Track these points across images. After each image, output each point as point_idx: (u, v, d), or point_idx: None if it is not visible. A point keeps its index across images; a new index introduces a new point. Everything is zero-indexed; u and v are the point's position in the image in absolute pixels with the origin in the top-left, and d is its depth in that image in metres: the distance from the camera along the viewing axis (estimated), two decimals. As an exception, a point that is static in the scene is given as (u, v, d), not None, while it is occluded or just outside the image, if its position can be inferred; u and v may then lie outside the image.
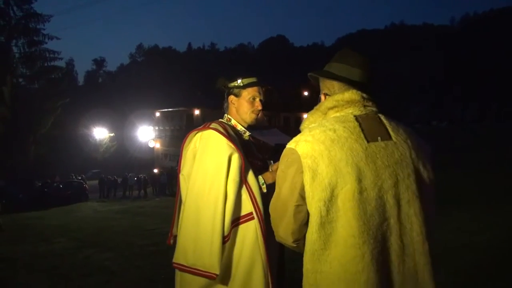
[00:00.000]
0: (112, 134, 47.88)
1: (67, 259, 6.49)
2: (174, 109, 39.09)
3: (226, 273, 1.79)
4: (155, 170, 28.95)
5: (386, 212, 1.21)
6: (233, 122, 2.07)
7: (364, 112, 1.31)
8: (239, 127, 2.07)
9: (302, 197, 1.24)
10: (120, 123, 50.89)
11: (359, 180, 1.18)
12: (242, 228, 1.82)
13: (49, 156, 32.08)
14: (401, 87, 62.14)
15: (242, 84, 2.06)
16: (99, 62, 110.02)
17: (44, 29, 33.63)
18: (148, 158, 42.57)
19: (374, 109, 1.34)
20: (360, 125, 1.27)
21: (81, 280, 5.08)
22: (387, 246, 1.20)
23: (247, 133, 2.09)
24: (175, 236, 1.97)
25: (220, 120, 2.09)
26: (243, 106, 2.06)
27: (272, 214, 1.39)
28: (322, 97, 1.43)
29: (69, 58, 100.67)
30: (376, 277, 1.16)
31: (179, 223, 1.92)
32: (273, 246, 1.83)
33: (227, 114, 2.11)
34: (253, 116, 2.07)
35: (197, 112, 36.14)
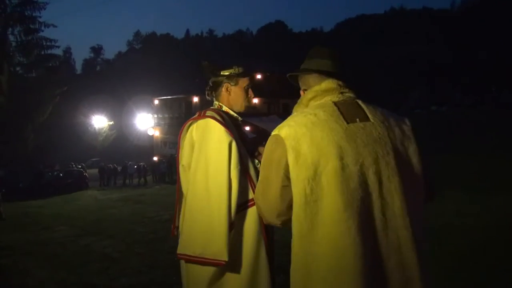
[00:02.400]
0: (111, 123, 47.81)
1: (68, 247, 6.55)
2: (173, 97, 38.92)
3: (233, 259, 1.80)
4: (155, 158, 28.95)
5: (368, 187, 1.24)
6: (225, 108, 2.06)
7: (342, 98, 1.39)
8: (232, 113, 2.06)
9: (288, 178, 1.28)
10: (119, 111, 50.69)
11: (341, 158, 1.23)
12: (245, 214, 1.85)
13: (48, 145, 32.08)
14: (401, 72, 61.85)
15: (239, 72, 2.05)
16: (97, 50, 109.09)
17: (40, 17, 33.28)
18: (148, 146, 42.54)
19: (352, 95, 1.42)
20: (339, 109, 1.34)
21: (82, 267, 5.13)
22: (371, 220, 1.23)
23: (240, 118, 2.09)
24: (178, 228, 1.98)
25: (212, 107, 2.07)
26: (239, 95, 2.05)
27: (258, 197, 1.43)
28: (302, 93, 1.53)
29: (66, 46, 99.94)
30: (363, 251, 1.19)
31: (182, 214, 1.93)
32: (270, 228, 1.89)
33: (218, 101, 2.09)
34: (247, 104, 2.08)
35: (195, 99, 36.00)
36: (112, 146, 46.79)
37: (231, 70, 2.05)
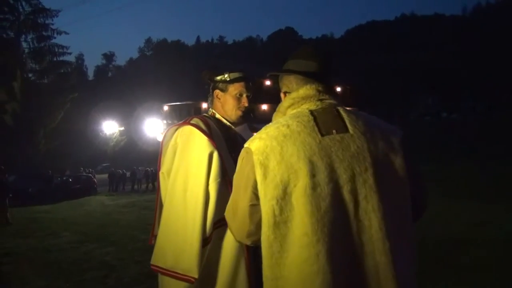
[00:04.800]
0: (121, 128, 48.22)
1: (69, 254, 6.54)
2: (182, 103, 39.10)
3: (209, 276, 1.73)
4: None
5: (343, 208, 1.13)
6: (218, 116, 2.00)
7: (320, 106, 1.26)
8: (224, 121, 1.99)
9: (257, 196, 1.19)
10: (130, 117, 51.10)
11: (312, 175, 1.12)
12: (225, 229, 1.75)
13: (60, 150, 32.45)
14: (411, 78, 61.40)
15: (228, 79, 1.96)
16: (109, 57, 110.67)
17: (52, 24, 33.99)
18: (157, 151, 42.60)
19: (332, 101, 1.29)
20: (314, 119, 1.22)
21: (80, 275, 5.11)
22: (345, 245, 1.13)
23: (233, 127, 2.01)
24: (156, 237, 1.91)
25: (204, 114, 2.02)
26: (229, 102, 1.96)
27: (227, 215, 1.34)
28: (282, 95, 1.41)
29: (78, 53, 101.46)
30: (332, 279, 1.09)
31: (159, 224, 1.87)
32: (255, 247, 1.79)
33: (212, 109, 2.03)
34: (239, 113, 1.97)
35: (205, 105, 35.97)
36: (122, 152, 47.16)
37: (221, 76, 1.98)
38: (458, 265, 4.71)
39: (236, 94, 1.96)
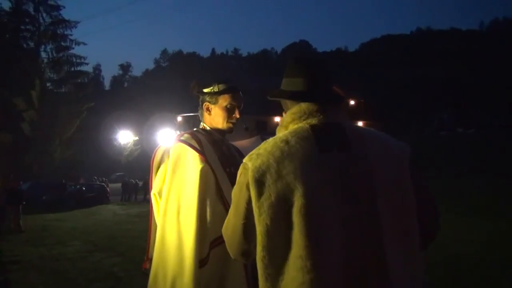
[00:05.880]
0: (136, 138, 48.68)
1: (77, 263, 6.52)
2: (196, 114, 39.23)
3: None
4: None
5: (341, 233, 1.05)
6: (209, 130, 1.92)
7: (322, 121, 1.18)
8: (216, 135, 1.91)
9: (251, 214, 1.11)
10: (144, 127, 51.66)
11: (309, 196, 1.05)
12: (223, 248, 1.69)
13: (74, 159, 32.84)
14: (426, 93, 60.79)
15: (217, 90, 1.89)
16: (125, 67, 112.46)
17: (71, 35, 34.68)
18: (170, 162, 42.91)
19: (335, 117, 1.20)
20: (315, 136, 1.14)
21: (87, 285, 5.09)
22: (340, 273, 1.04)
23: (226, 141, 1.95)
24: (151, 260, 1.84)
25: (195, 129, 1.96)
26: (219, 114, 1.89)
27: (223, 231, 1.27)
28: (284, 114, 1.33)
29: (96, 64, 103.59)
30: None
31: (155, 247, 1.79)
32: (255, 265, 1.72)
33: (202, 122, 1.96)
34: (229, 125, 1.90)
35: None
36: (136, 161, 47.48)
37: (210, 88, 1.90)
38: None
39: (226, 105, 1.88)
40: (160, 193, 1.78)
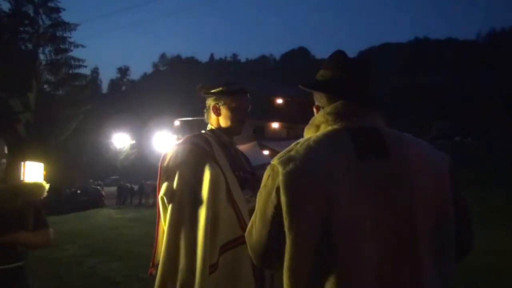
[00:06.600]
0: (133, 142, 48.52)
1: (73, 268, 6.42)
2: (194, 118, 39.31)
3: None
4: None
5: (377, 245, 0.98)
6: (217, 132, 1.86)
7: (358, 125, 1.10)
8: (224, 137, 1.86)
9: (279, 222, 1.03)
10: (141, 131, 51.53)
11: (347, 206, 0.98)
12: (233, 253, 1.63)
13: (70, 162, 32.60)
14: (424, 101, 61.12)
15: (227, 91, 1.84)
16: (123, 71, 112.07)
17: (70, 37, 34.57)
18: (167, 166, 42.82)
19: (372, 121, 1.12)
20: (352, 141, 1.06)
21: (83, 291, 4.96)
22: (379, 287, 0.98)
23: (233, 144, 1.89)
24: (158, 265, 1.77)
25: (203, 131, 1.89)
26: (227, 116, 1.84)
27: (247, 238, 1.18)
28: (315, 110, 1.25)
29: (94, 66, 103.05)
30: None
31: (162, 252, 1.73)
32: (269, 272, 1.68)
33: (210, 124, 1.90)
34: (238, 126, 1.86)
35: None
36: (132, 165, 47.33)
37: (219, 89, 1.85)
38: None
39: (235, 106, 1.84)
40: (168, 196, 1.71)
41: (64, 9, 34.37)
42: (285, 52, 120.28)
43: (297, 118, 35.79)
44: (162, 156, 1.82)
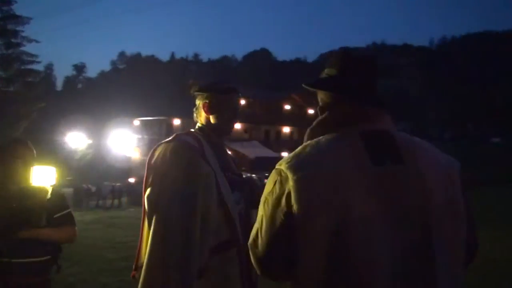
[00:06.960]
0: (90, 141, 46.89)
1: (28, 274, 6.05)
2: (154, 118, 38.61)
3: None
4: (131, 179, 28.29)
5: (392, 253, 0.95)
6: (206, 131, 1.80)
7: (370, 128, 1.05)
8: (213, 137, 1.79)
9: (288, 230, 0.98)
10: (98, 131, 49.88)
11: (363, 214, 0.93)
12: (222, 258, 1.57)
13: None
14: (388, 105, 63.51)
15: (219, 89, 1.79)
16: (79, 68, 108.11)
17: (23, 31, 32.96)
18: (125, 167, 41.75)
19: (383, 123, 1.08)
20: (365, 145, 1.01)
21: (40, 298, 4.67)
22: None
23: (223, 144, 1.84)
24: (141, 267, 1.67)
25: (192, 130, 1.81)
26: (218, 115, 1.78)
27: (251, 248, 1.10)
28: (318, 111, 1.18)
29: (48, 63, 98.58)
30: None
31: (146, 254, 1.63)
32: (256, 277, 1.62)
33: (200, 123, 1.83)
34: (230, 126, 1.83)
35: (177, 122, 35.76)
36: (88, 166, 45.70)
37: (210, 87, 1.80)
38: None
39: (227, 105, 1.79)
40: (155, 196, 1.62)
41: (16, 1, 32.71)
42: (247, 53, 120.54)
43: (258, 119, 36.01)
44: (150, 152, 1.72)
